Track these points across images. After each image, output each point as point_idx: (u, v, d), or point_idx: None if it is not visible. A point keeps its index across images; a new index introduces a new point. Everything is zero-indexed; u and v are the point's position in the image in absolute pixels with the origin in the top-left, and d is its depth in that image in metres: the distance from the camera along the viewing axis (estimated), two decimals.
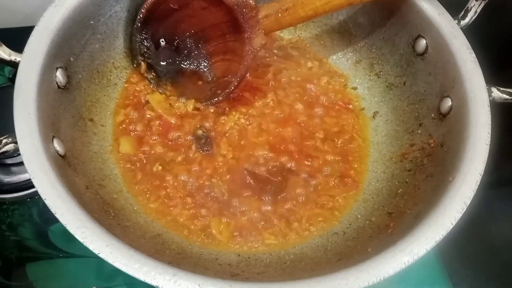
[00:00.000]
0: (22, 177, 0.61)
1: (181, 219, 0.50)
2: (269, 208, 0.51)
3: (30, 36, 0.45)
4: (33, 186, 0.60)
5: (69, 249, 0.58)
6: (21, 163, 0.61)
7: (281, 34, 0.66)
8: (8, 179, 0.61)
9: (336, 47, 0.65)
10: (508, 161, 0.57)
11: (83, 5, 0.49)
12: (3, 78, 0.71)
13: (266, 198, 0.51)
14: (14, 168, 0.61)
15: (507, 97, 0.48)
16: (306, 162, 0.54)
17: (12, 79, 0.67)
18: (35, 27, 0.45)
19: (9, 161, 0.61)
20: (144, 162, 0.53)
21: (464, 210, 0.39)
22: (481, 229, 0.60)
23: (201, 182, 0.52)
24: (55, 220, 0.36)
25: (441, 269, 0.60)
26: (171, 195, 0.51)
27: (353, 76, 0.63)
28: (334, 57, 0.65)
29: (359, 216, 0.51)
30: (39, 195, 0.37)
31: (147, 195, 0.51)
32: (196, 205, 0.50)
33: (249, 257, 0.47)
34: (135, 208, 0.49)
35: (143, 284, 0.35)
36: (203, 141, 0.54)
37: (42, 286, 0.56)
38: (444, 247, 0.58)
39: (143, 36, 0.56)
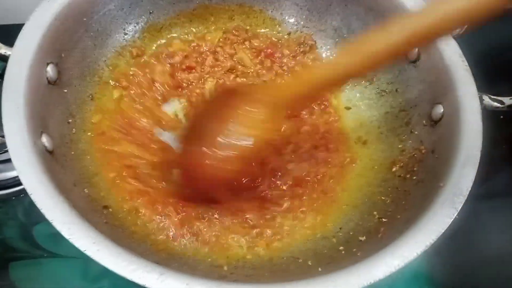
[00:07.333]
0: (7, 175, 0.59)
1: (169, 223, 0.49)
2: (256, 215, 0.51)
3: (22, 30, 0.45)
4: (18, 184, 0.59)
5: (54, 249, 0.57)
6: (6, 161, 0.60)
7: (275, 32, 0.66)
8: None
9: (329, 52, 0.65)
10: (496, 172, 0.57)
11: (76, 2, 0.49)
12: None
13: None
14: None
15: (498, 105, 0.48)
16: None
17: (1, 75, 0.66)
18: (27, 21, 0.45)
19: None
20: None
21: (455, 216, 0.39)
22: (469, 240, 0.60)
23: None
24: (40, 219, 0.35)
25: (428, 280, 0.60)
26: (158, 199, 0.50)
27: None
28: (326, 61, 0.64)
29: (349, 221, 0.50)
30: (24, 193, 0.36)
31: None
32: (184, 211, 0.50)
33: (237, 260, 0.47)
34: (124, 208, 0.48)
35: (129, 286, 0.35)
36: None
37: (24, 287, 0.54)
38: (432, 258, 0.58)
39: None
